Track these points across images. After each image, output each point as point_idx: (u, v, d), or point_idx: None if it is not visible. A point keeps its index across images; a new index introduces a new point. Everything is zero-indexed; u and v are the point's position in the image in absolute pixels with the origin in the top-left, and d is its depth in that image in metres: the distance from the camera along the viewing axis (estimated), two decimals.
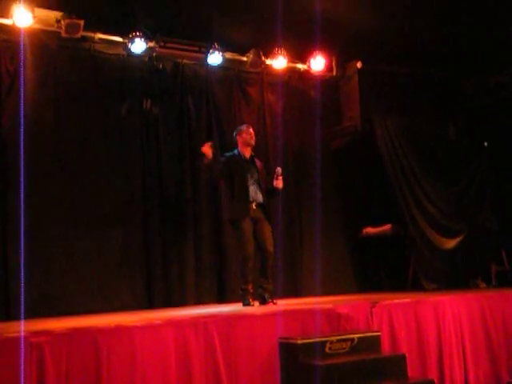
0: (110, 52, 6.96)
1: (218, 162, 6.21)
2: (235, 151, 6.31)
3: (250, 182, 6.16)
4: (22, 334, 3.99)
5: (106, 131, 6.83)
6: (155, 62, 7.20)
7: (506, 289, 7.24)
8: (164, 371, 4.41)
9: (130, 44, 6.86)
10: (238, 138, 6.34)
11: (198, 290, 7.09)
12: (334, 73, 8.27)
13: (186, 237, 7.13)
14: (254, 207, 6.12)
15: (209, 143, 6.19)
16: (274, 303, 6.02)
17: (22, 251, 6.14)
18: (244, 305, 5.92)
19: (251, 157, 6.31)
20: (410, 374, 5.07)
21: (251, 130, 6.36)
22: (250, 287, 5.99)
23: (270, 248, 6.11)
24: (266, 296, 6.06)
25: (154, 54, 7.12)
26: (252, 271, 6.07)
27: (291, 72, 8.09)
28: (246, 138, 6.27)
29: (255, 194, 6.15)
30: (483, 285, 8.09)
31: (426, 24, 7.42)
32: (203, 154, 6.10)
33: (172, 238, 7.07)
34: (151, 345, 4.39)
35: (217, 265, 7.31)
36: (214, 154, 6.13)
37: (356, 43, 7.66)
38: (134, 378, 4.26)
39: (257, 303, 6.00)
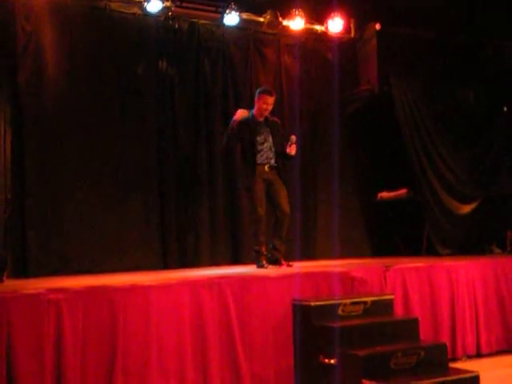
0: (126, 11, 6.88)
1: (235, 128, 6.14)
2: (250, 113, 6.23)
3: (264, 145, 6.13)
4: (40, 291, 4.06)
5: (122, 91, 6.79)
6: (171, 22, 7.11)
7: None
8: (178, 330, 4.49)
9: (145, 3, 6.78)
10: (256, 99, 6.23)
11: (213, 251, 7.14)
12: (352, 35, 8.14)
13: (200, 198, 7.15)
14: (267, 169, 6.10)
15: (243, 110, 6.13)
16: (290, 265, 6.04)
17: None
18: (258, 267, 5.95)
19: (265, 119, 6.24)
20: (422, 337, 5.11)
21: (270, 99, 6.13)
22: (263, 249, 6.02)
23: (286, 208, 6.11)
24: (279, 257, 6.09)
25: (170, 14, 7.03)
26: (265, 233, 6.08)
27: (308, 33, 7.97)
28: (261, 107, 6.13)
29: (268, 156, 6.12)
30: (498, 250, 8.06)
31: None
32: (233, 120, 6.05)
33: (187, 199, 7.09)
34: (166, 304, 4.46)
35: (231, 226, 7.34)
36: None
37: (375, 5, 7.54)
38: (149, 337, 4.34)
39: (270, 265, 6.02)
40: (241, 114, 6.13)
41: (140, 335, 4.32)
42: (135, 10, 6.91)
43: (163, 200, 6.94)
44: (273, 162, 6.14)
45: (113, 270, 6.26)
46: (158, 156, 6.98)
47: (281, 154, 6.22)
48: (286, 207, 6.12)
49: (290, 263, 6.09)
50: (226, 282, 4.79)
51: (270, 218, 6.21)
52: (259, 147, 6.10)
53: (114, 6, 6.80)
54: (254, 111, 6.21)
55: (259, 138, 6.11)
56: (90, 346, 4.14)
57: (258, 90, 6.29)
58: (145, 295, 4.41)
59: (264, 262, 5.95)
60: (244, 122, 6.14)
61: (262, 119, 6.20)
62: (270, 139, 6.16)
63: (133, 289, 4.42)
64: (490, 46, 8.70)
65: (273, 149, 6.15)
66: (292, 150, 6.18)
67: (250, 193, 6.12)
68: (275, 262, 6.05)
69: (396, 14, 7.70)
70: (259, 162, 6.08)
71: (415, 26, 7.99)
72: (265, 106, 6.13)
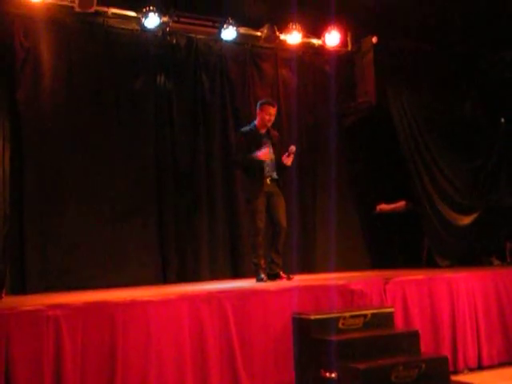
0: (124, 27, 6.94)
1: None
2: (252, 124, 6.25)
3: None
4: (39, 307, 4.05)
5: (120, 107, 6.82)
6: (169, 37, 7.17)
7: None
8: (178, 346, 4.46)
9: (143, 19, 6.83)
10: (258, 111, 6.24)
11: (212, 265, 7.13)
12: (349, 48, 8.19)
13: (200, 212, 7.16)
14: (268, 182, 6.11)
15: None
16: (290, 278, 6.02)
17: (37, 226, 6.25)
18: (257, 280, 5.91)
19: (267, 131, 6.25)
20: (423, 350, 5.08)
21: (272, 110, 6.16)
22: (261, 262, 6.01)
23: (283, 222, 6.11)
24: (277, 270, 6.07)
25: (168, 29, 7.09)
26: (263, 246, 6.08)
27: (306, 47, 8.02)
28: (264, 118, 6.15)
29: (270, 169, 6.12)
30: (497, 262, 8.05)
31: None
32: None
33: (186, 213, 7.09)
34: (166, 319, 4.44)
35: (231, 240, 7.35)
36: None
37: (371, 18, 7.57)
38: (149, 352, 4.32)
39: (269, 280, 5.97)
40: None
41: (140, 351, 4.30)
42: (133, 25, 6.96)
43: (162, 214, 6.94)
44: (274, 174, 6.16)
45: (112, 284, 6.24)
46: (156, 170, 6.99)
47: (277, 165, 6.21)
48: (283, 221, 6.12)
49: (291, 276, 6.07)
50: (226, 296, 4.78)
51: (268, 231, 6.20)
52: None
53: (111, 22, 6.85)
54: (257, 123, 6.22)
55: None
56: (90, 362, 4.11)
57: (260, 102, 6.31)
58: (144, 310, 4.39)
59: (263, 276, 5.93)
60: (248, 136, 6.14)
61: (264, 131, 6.21)
62: (272, 151, 6.16)
63: (132, 304, 4.40)
64: (487, 58, 8.75)
65: (273, 161, 6.16)
66: (289, 160, 6.16)
67: (250, 205, 6.12)
68: (274, 276, 6.04)
69: (393, 27, 7.74)
70: (262, 175, 6.07)
71: (412, 39, 8.04)
72: (268, 117, 6.15)
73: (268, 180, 6.12)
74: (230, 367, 4.66)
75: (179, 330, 4.49)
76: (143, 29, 6.92)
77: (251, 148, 6.04)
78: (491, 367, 5.97)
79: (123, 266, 6.60)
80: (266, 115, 6.15)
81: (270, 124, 6.21)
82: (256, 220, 6.02)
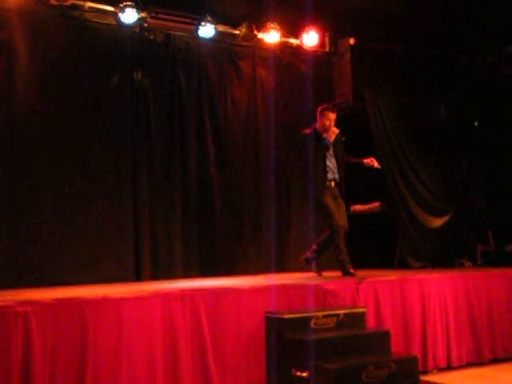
0: (101, 21, 6.87)
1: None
2: (314, 128, 6.37)
3: (330, 160, 6.33)
4: (8, 303, 3.99)
5: (96, 102, 6.75)
6: (146, 33, 7.11)
7: (491, 268, 7.31)
8: (150, 343, 4.44)
9: (120, 14, 6.76)
10: (318, 115, 6.38)
11: (186, 263, 7.11)
12: (327, 49, 8.23)
13: (174, 210, 7.12)
14: (333, 185, 6.32)
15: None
16: (352, 274, 6.14)
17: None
18: (344, 274, 6.12)
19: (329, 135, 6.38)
20: (393, 350, 5.13)
21: (332, 116, 6.33)
22: (346, 257, 6.22)
23: (346, 224, 6.32)
24: (347, 266, 6.22)
25: (146, 25, 7.03)
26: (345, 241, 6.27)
27: (283, 47, 8.03)
28: (324, 124, 6.31)
29: (332, 172, 6.32)
30: (469, 264, 8.16)
31: (419, 2, 7.37)
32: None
33: (161, 211, 7.05)
34: (138, 317, 4.41)
35: (205, 239, 7.32)
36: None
37: (349, 19, 7.60)
38: (120, 350, 4.29)
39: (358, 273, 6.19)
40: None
41: (111, 348, 4.27)
42: (110, 20, 6.89)
43: (136, 211, 6.89)
44: (337, 178, 6.35)
45: (84, 281, 6.18)
46: (131, 167, 6.93)
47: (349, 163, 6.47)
48: (346, 223, 6.34)
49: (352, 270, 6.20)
50: (199, 294, 4.77)
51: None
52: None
53: (88, 16, 6.77)
54: (318, 127, 6.35)
55: (328, 155, 6.32)
56: (60, 360, 4.07)
57: (321, 108, 6.43)
58: (116, 308, 4.35)
59: (350, 269, 6.13)
60: (313, 137, 6.29)
61: (325, 135, 6.33)
62: (333, 155, 6.35)
63: (104, 301, 4.36)
64: (462, 62, 8.85)
65: (335, 165, 6.34)
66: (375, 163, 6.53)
67: (320, 206, 6.28)
68: (348, 273, 6.19)
69: (370, 29, 7.78)
70: (328, 178, 6.28)
71: (390, 42, 8.10)
72: (328, 123, 6.32)
73: (332, 183, 6.30)
74: (202, 365, 4.66)
75: (151, 327, 4.47)
76: (120, 24, 6.85)
77: (315, 151, 6.22)
78: (460, 367, 6.05)
79: (96, 263, 6.54)
80: (327, 121, 6.31)
81: (330, 129, 6.34)
82: (334, 218, 6.20)
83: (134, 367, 4.33)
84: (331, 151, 6.34)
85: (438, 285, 6.12)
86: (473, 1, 7.29)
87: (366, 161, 6.57)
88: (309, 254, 6.48)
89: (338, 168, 6.36)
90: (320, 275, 6.41)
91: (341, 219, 6.28)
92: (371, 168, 6.62)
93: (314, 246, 6.48)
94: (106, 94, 6.83)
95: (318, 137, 6.33)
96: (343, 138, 6.51)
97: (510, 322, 6.54)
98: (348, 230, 6.36)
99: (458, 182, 8.57)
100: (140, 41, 7.09)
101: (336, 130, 6.44)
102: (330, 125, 6.32)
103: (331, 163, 6.33)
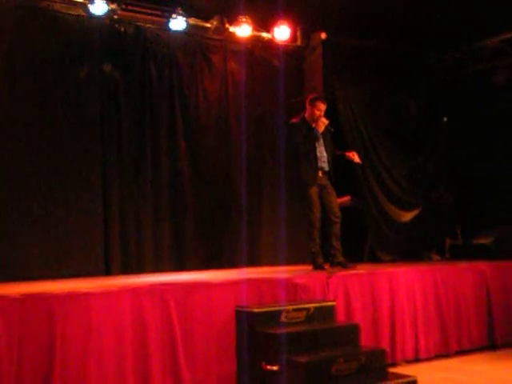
0: (70, 12, 6.75)
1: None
2: (303, 117, 6.43)
3: (318, 149, 6.37)
4: None
5: (65, 95, 6.65)
6: (116, 25, 7.03)
7: (459, 262, 7.42)
8: (119, 339, 4.41)
9: (90, 5, 6.67)
10: (308, 105, 6.44)
11: (157, 257, 7.07)
12: (299, 43, 8.24)
13: (145, 203, 7.07)
14: (321, 175, 6.36)
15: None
16: (352, 266, 6.20)
17: None
18: (315, 267, 6.16)
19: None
20: (363, 343, 5.19)
21: (323, 106, 6.40)
22: (319, 249, 6.26)
23: (338, 211, 6.40)
24: (342, 258, 6.30)
25: (116, 17, 6.94)
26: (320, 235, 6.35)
27: (255, 40, 8.01)
28: (314, 113, 6.37)
29: (321, 161, 6.36)
30: (437, 257, 8.28)
31: None
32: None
33: (130, 204, 6.99)
34: (107, 312, 4.38)
35: (176, 232, 7.29)
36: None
37: (321, 14, 7.61)
38: (89, 345, 4.26)
39: (327, 266, 6.26)
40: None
41: (79, 343, 4.23)
42: (79, 11, 6.78)
43: (106, 205, 6.83)
44: (326, 167, 6.39)
45: (52, 276, 6.11)
46: (101, 161, 6.86)
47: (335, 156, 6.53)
48: (338, 210, 6.40)
49: (351, 265, 6.26)
50: (169, 288, 4.75)
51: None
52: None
53: (56, 6, 6.66)
54: (307, 116, 6.42)
55: (318, 144, 6.37)
56: (27, 356, 4.02)
57: (311, 97, 6.52)
58: (84, 303, 4.31)
59: (321, 262, 6.19)
60: (301, 126, 6.36)
61: (314, 125, 6.39)
62: (322, 145, 6.41)
63: (72, 296, 4.32)
64: (433, 58, 8.95)
65: (324, 154, 6.39)
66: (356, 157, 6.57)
67: (305, 195, 6.34)
68: (341, 264, 6.26)
69: (342, 23, 7.81)
70: (317, 167, 6.34)
71: (361, 36, 8.13)
72: (318, 113, 6.39)
73: (320, 172, 6.33)
74: (172, 360, 4.65)
75: (120, 322, 4.44)
76: (90, 15, 6.75)
77: (304, 140, 6.29)
78: (428, 359, 6.14)
79: (66, 258, 6.46)
80: (317, 111, 6.37)
81: (319, 119, 6.38)
82: (312, 211, 6.27)
83: (102, 362, 4.30)
84: (321, 141, 6.41)
85: (406, 278, 6.19)
86: None
87: (347, 154, 6.63)
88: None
89: (327, 157, 6.42)
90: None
91: (333, 208, 6.35)
92: (346, 162, 6.70)
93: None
94: (75, 87, 6.72)
95: (308, 126, 6.38)
96: (332, 129, 6.54)
97: (476, 314, 6.67)
98: (341, 217, 6.42)
99: (427, 177, 8.68)
100: (110, 33, 7.00)
101: (325, 121, 6.48)
102: (319, 115, 6.38)
103: (320, 153, 6.38)
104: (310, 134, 6.36)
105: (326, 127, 6.49)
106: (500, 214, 8.35)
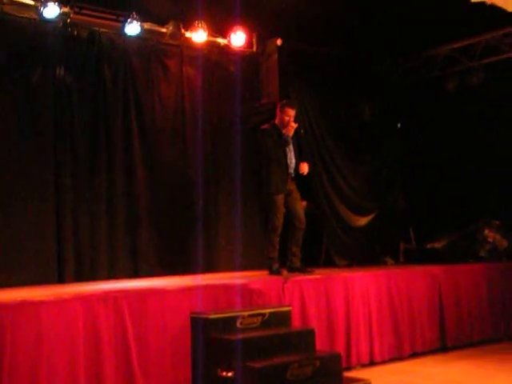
0: (21, 15, 6.61)
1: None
2: (273, 124, 6.50)
3: (288, 155, 6.46)
4: None
5: (16, 100, 6.50)
6: (70, 29, 6.90)
7: (412, 266, 7.55)
8: (72, 347, 4.36)
9: (42, 8, 6.53)
10: (278, 111, 6.49)
11: (111, 264, 6.96)
12: (255, 49, 8.25)
13: (99, 209, 6.96)
14: (289, 181, 6.46)
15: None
16: (310, 271, 6.26)
17: None
18: (271, 273, 6.20)
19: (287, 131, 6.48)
20: (318, 347, 5.22)
21: (292, 112, 6.46)
22: (277, 255, 6.31)
23: (303, 217, 6.50)
24: (299, 264, 6.37)
25: (69, 21, 6.82)
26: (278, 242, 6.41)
27: (211, 46, 7.99)
28: (283, 119, 6.44)
29: (290, 167, 6.45)
30: (391, 262, 8.39)
31: (345, 4, 7.52)
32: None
33: (85, 210, 6.87)
34: (58, 320, 4.32)
35: (131, 239, 7.20)
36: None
37: (277, 20, 7.67)
38: (39, 354, 4.18)
39: (285, 271, 6.27)
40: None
41: (30, 354, 4.16)
42: (31, 14, 6.64)
43: (59, 211, 6.69)
44: (293, 173, 6.47)
45: (4, 285, 5.95)
46: (54, 166, 6.72)
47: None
48: (303, 216, 6.53)
49: (309, 269, 6.34)
50: (123, 295, 4.70)
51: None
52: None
53: (7, 8, 6.50)
54: (277, 122, 6.49)
55: (287, 150, 6.45)
56: None
57: (280, 103, 6.62)
58: (35, 312, 4.24)
59: (277, 267, 6.22)
60: (271, 132, 6.44)
61: (284, 131, 6.45)
62: (291, 151, 6.49)
63: (22, 305, 4.23)
64: (387, 64, 9.10)
65: (292, 161, 6.45)
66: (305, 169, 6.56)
67: (271, 201, 6.38)
68: (298, 269, 6.32)
69: (298, 29, 7.88)
70: (287, 173, 6.42)
71: (316, 42, 8.21)
72: (287, 119, 6.46)
73: (288, 178, 6.43)
74: (126, 368, 4.61)
75: (73, 331, 4.38)
76: (42, 19, 6.62)
77: (275, 146, 6.37)
78: (382, 363, 6.23)
79: (17, 265, 6.30)
80: (286, 117, 6.44)
81: (289, 125, 6.43)
82: (276, 216, 6.33)
83: (53, 371, 4.23)
84: (290, 146, 6.50)
85: (361, 283, 6.27)
86: (397, 3, 7.48)
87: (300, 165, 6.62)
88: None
89: (295, 163, 6.50)
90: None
91: (299, 213, 6.46)
92: (298, 167, 6.77)
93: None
94: (27, 92, 6.58)
95: (278, 132, 6.45)
96: (302, 131, 6.63)
97: (429, 317, 6.80)
98: (305, 223, 6.54)
99: (381, 182, 8.81)
100: (63, 37, 6.86)
101: (294, 125, 6.54)
102: (289, 121, 6.46)
103: (289, 159, 6.47)
104: (280, 140, 6.45)
105: (296, 130, 6.58)
106: (452, 219, 8.52)
